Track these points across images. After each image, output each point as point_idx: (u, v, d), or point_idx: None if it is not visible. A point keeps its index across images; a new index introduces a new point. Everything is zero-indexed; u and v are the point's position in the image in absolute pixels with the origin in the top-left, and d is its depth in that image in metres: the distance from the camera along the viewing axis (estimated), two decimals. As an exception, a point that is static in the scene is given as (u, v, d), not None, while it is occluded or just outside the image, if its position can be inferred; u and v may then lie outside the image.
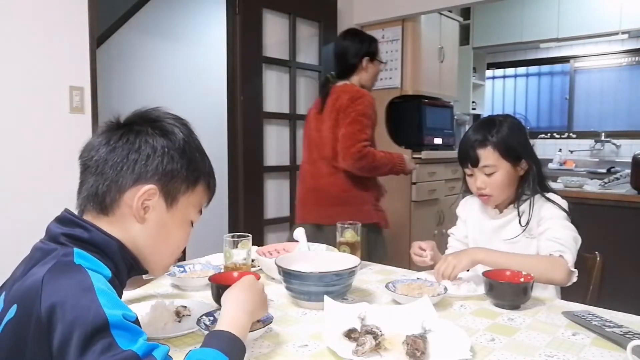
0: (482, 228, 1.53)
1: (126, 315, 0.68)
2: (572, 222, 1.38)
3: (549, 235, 1.34)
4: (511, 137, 1.41)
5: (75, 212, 0.83)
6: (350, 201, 2.23)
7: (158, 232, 0.84)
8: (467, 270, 1.33)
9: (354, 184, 2.24)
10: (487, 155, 1.40)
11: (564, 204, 1.41)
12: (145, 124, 0.83)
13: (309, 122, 2.41)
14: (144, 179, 0.80)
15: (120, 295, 0.78)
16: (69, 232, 0.77)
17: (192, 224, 0.90)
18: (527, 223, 1.41)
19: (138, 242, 0.83)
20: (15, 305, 0.69)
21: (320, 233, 2.15)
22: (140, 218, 0.81)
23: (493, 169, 1.41)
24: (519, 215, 1.43)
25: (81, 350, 0.62)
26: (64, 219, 0.79)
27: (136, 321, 0.70)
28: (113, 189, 0.80)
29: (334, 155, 2.22)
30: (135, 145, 0.80)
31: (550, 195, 1.43)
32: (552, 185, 3.18)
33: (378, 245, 2.28)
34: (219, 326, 0.81)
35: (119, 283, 0.81)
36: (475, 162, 1.42)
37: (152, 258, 0.86)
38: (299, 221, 2.32)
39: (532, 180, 1.43)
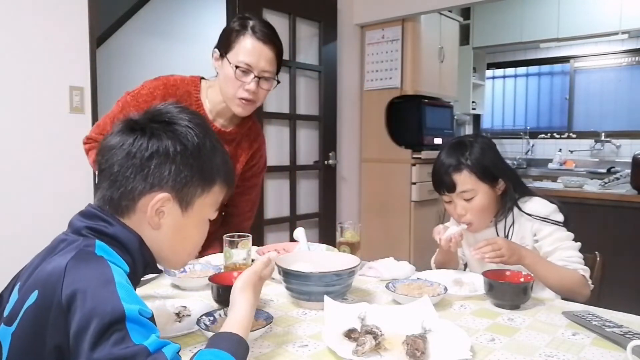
0: (475, 237, 1.49)
1: (142, 311, 0.69)
2: (566, 220, 1.37)
3: (560, 256, 1.34)
4: (484, 157, 1.38)
5: None
6: None
7: (174, 236, 0.85)
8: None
9: None
10: (464, 180, 1.37)
11: (547, 208, 1.39)
12: (159, 128, 0.82)
13: None
14: (158, 186, 0.80)
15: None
16: (92, 225, 0.79)
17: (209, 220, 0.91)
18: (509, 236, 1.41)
19: (154, 245, 0.84)
20: (36, 291, 0.70)
21: None
22: (155, 224, 0.82)
23: (472, 194, 1.38)
24: (497, 233, 1.43)
25: (96, 340, 0.64)
26: (87, 213, 0.81)
27: (151, 318, 0.71)
28: (127, 196, 0.80)
29: None
30: (148, 152, 0.80)
31: (532, 202, 1.41)
32: (552, 185, 3.20)
33: None
34: (228, 327, 0.82)
35: (135, 279, 0.82)
36: (451, 188, 1.39)
37: (170, 257, 0.88)
38: None
39: (509, 199, 1.41)
